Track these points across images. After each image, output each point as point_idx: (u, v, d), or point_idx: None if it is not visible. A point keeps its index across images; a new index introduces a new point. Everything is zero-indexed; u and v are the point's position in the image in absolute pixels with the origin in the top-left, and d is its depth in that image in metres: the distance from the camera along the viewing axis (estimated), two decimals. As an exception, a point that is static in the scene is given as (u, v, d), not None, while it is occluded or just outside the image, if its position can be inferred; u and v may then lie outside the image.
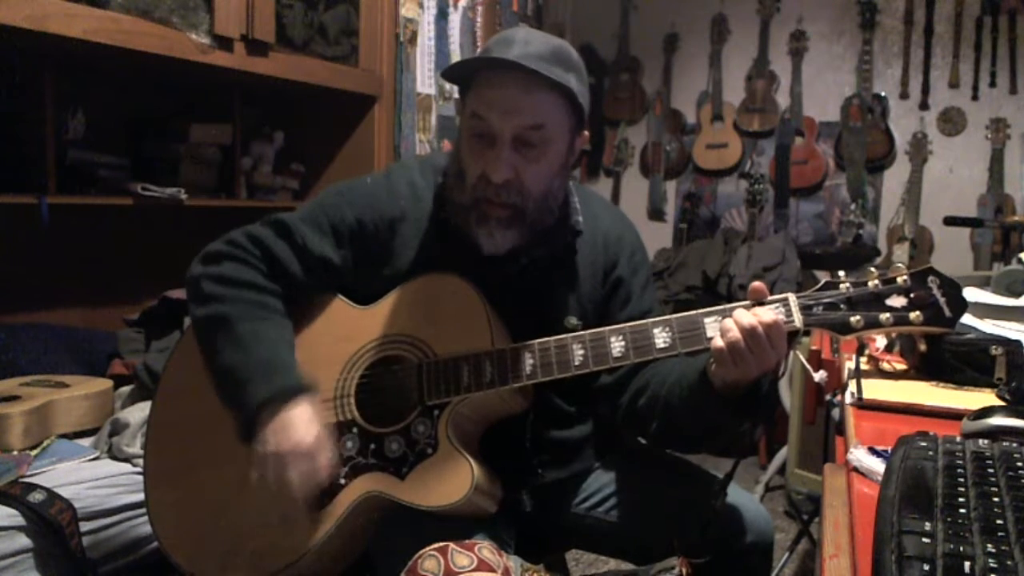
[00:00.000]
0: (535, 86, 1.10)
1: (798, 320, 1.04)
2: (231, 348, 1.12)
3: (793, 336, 1.04)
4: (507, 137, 1.11)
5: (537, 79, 1.08)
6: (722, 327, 1.03)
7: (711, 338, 1.05)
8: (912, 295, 1.02)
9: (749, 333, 1.00)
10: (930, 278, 1.03)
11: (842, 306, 1.04)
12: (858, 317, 1.03)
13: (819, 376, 1.28)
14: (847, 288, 1.05)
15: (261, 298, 1.18)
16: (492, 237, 1.15)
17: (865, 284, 1.04)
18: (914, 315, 1.02)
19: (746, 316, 1.02)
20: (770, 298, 1.06)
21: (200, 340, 1.18)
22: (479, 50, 1.19)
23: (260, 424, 1.09)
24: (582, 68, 1.16)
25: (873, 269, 1.06)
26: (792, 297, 1.06)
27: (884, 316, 1.02)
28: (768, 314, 1.02)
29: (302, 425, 1.08)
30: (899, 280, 1.03)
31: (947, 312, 1.01)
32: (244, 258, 1.19)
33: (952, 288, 1.02)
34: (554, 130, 1.13)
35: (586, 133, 1.22)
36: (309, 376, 1.14)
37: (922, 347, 1.10)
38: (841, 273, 1.07)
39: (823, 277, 1.07)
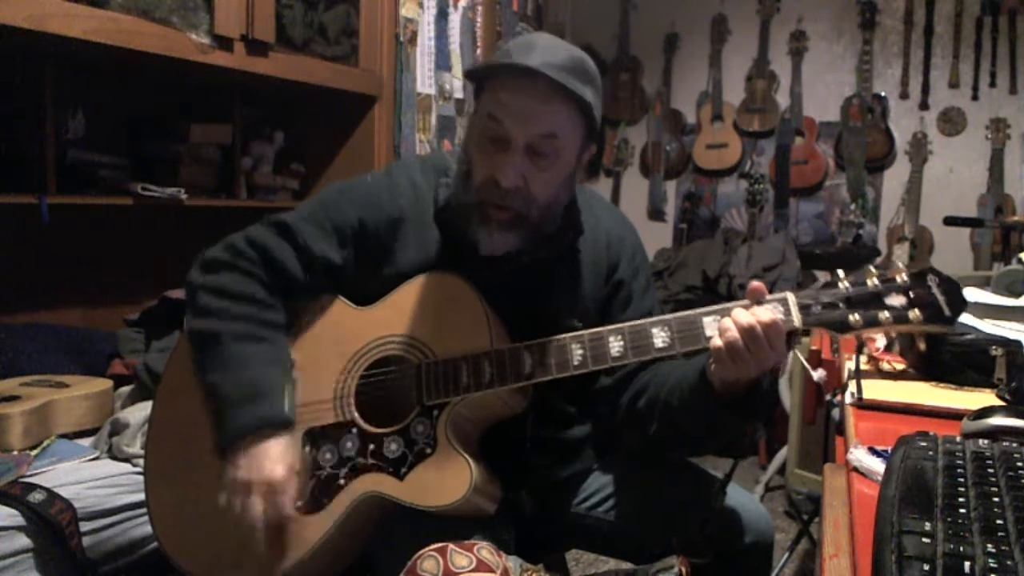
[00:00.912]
0: (554, 96, 1.09)
1: (797, 319, 1.04)
2: (220, 368, 1.14)
3: (792, 336, 1.04)
4: (520, 144, 1.11)
5: (556, 89, 1.08)
6: (720, 326, 1.03)
7: (710, 337, 1.05)
8: (911, 294, 1.02)
9: (747, 332, 1.00)
10: (929, 277, 1.02)
11: (841, 305, 1.04)
12: (857, 316, 1.03)
13: (818, 375, 1.28)
14: (846, 287, 1.04)
15: (258, 313, 1.18)
16: (491, 238, 1.15)
17: (864, 283, 1.04)
18: (913, 314, 1.01)
19: (744, 315, 1.02)
20: (768, 297, 1.05)
21: (193, 351, 1.20)
22: (499, 53, 1.18)
23: (235, 450, 1.11)
24: (599, 81, 1.16)
25: (872, 268, 1.05)
26: (791, 296, 1.05)
27: (883, 315, 1.02)
28: (766, 313, 1.01)
29: (274, 458, 1.10)
30: (898, 279, 1.03)
31: (946, 311, 1.01)
32: (244, 268, 1.19)
33: (951, 287, 1.02)
34: (567, 141, 1.13)
35: (594, 147, 1.22)
36: (305, 383, 1.15)
37: (921, 346, 1.10)
38: (840, 273, 1.07)
39: (823, 277, 1.07)
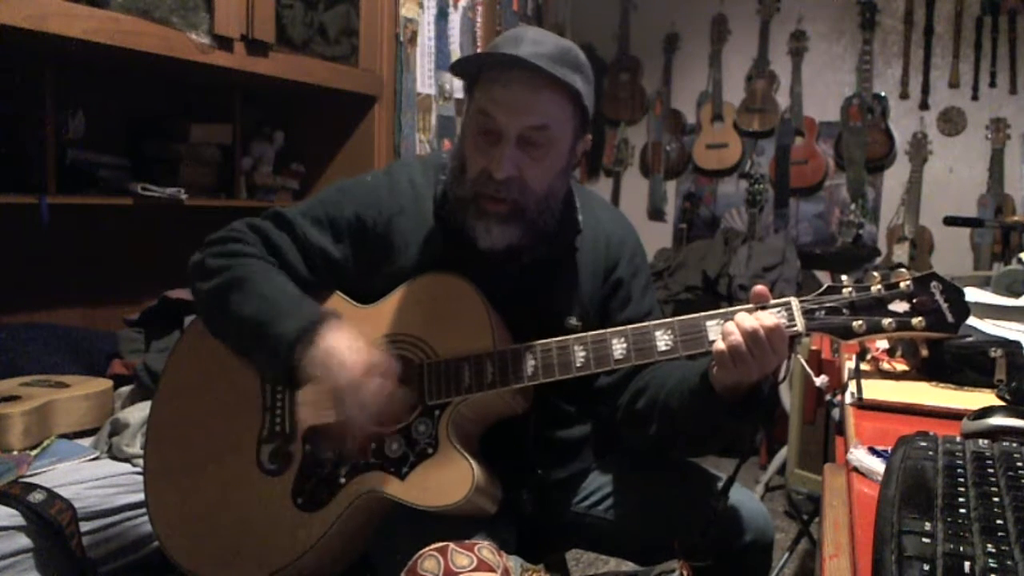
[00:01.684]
0: (542, 86, 1.10)
1: (800, 324, 1.04)
2: (251, 301, 1.11)
3: (794, 339, 1.04)
4: (512, 136, 1.11)
5: (545, 79, 1.08)
6: (724, 330, 1.03)
7: (712, 341, 1.05)
8: (915, 300, 1.02)
9: (751, 336, 1.00)
10: (933, 283, 1.03)
11: (844, 311, 1.04)
12: (860, 322, 1.03)
13: (820, 381, 1.28)
14: (850, 292, 1.05)
15: (265, 264, 1.18)
16: (489, 232, 1.15)
17: (868, 289, 1.04)
18: (916, 321, 1.02)
19: (748, 319, 1.02)
20: (772, 302, 1.06)
21: (214, 310, 1.17)
22: (487, 46, 1.19)
23: (301, 363, 1.06)
24: (589, 70, 1.16)
25: (876, 273, 1.05)
26: (794, 301, 1.06)
27: (886, 321, 1.02)
28: (770, 318, 1.02)
29: (342, 352, 1.05)
30: (902, 285, 1.03)
31: (949, 318, 1.01)
32: (246, 240, 1.20)
33: (955, 293, 1.02)
34: (559, 131, 1.14)
35: (589, 136, 1.22)
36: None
37: (924, 352, 1.10)
38: (844, 277, 1.07)
39: (823, 277, 1.08)
